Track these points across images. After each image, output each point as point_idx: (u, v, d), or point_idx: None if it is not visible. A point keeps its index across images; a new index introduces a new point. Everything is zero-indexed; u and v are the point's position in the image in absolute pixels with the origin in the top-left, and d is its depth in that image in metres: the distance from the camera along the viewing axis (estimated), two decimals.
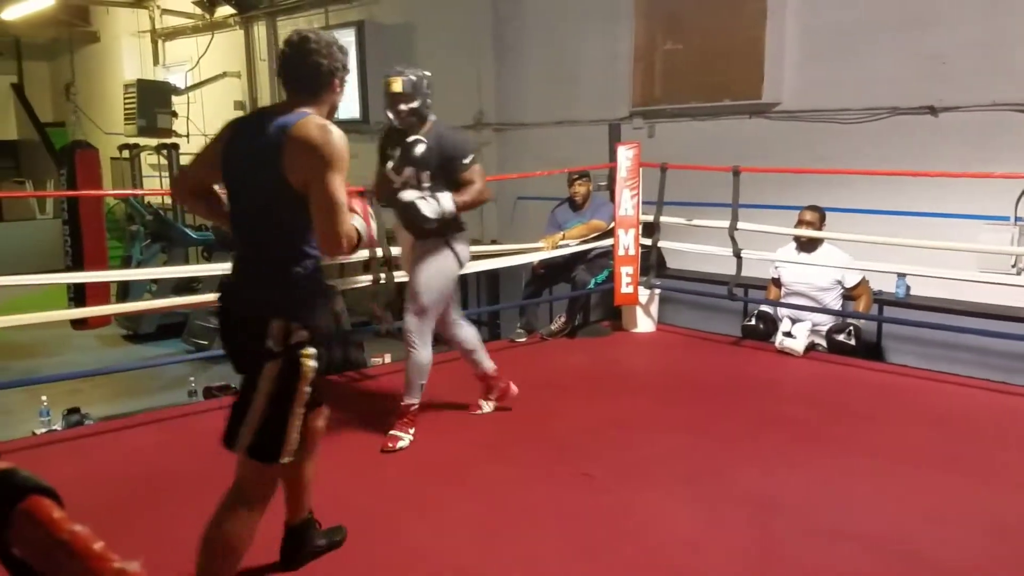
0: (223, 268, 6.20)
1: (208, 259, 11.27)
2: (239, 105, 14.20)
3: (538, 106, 9.34)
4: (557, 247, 5.56)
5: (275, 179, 2.21)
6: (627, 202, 5.59)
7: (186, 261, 11.40)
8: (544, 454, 3.68)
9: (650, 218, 5.83)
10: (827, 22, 6.93)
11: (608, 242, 5.70)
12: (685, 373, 4.91)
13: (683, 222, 5.79)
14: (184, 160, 13.60)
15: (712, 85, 7.36)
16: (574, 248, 5.67)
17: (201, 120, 14.45)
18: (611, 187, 5.90)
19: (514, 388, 4.30)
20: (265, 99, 13.78)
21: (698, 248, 5.83)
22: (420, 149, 3.70)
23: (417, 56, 10.86)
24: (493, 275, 8.71)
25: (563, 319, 5.71)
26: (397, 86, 3.78)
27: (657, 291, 5.89)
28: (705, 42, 7.48)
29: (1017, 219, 5.91)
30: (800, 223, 5.82)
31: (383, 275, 4.92)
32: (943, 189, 6.08)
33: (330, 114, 2.38)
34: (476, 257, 5.93)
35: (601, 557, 2.81)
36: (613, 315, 5.93)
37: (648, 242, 5.85)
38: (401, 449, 3.75)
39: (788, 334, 5.40)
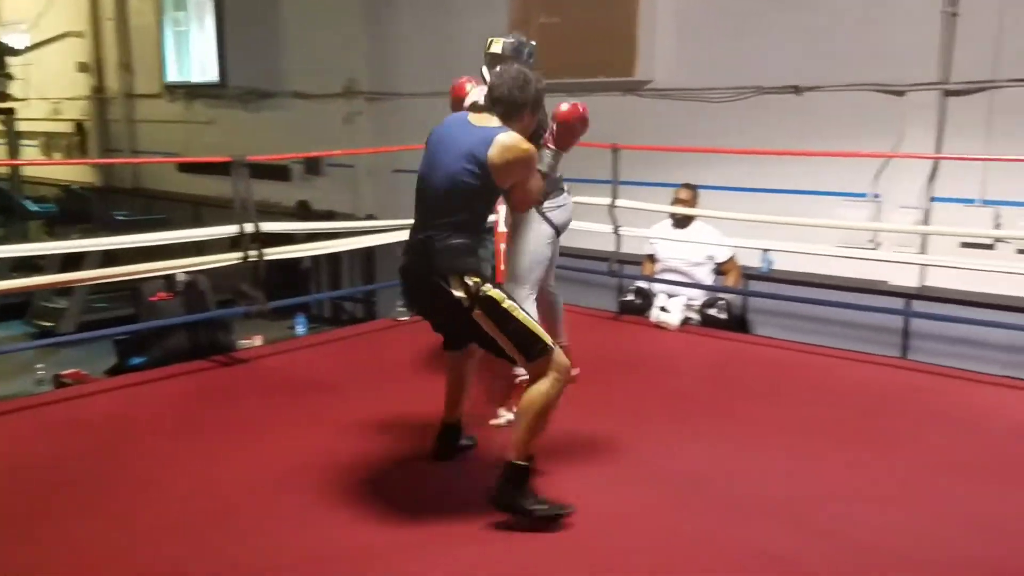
0: (74, 246, 5.74)
1: (50, 234, 10.48)
2: (83, 67, 13.20)
3: (413, 75, 9.11)
4: None
5: (477, 176, 2.76)
6: None
7: (25, 236, 10.55)
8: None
9: None
10: (698, 1, 7.06)
11: (491, 218, 5.60)
12: (571, 350, 4.89)
13: None
14: (21, 127, 12.56)
15: (587, 62, 7.37)
16: None
17: (41, 83, 13.37)
18: None
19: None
20: (112, 61, 12.87)
21: (578, 225, 5.82)
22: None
23: (281, 17, 10.37)
24: (367, 252, 8.48)
25: None
26: (496, 47, 3.80)
27: None
28: (580, 18, 7.47)
29: (875, 195, 6.24)
30: (676, 200, 5.93)
31: (252, 252, 4.65)
32: (806, 167, 6.33)
33: (523, 131, 2.91)
34: (352, 234, 5.73)
35: (520, 544, 2.73)
36: None
37: None
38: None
39: (664, 309, 5.51)
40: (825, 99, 6.41)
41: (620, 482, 3.19)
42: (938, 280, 5.94)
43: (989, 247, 5.72)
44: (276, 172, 10.33)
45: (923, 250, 6.00)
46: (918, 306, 5.84)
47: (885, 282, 6.07)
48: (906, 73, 5.97)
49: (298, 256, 5.80)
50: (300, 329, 6.84)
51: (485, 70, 3.78)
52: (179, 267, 4.76)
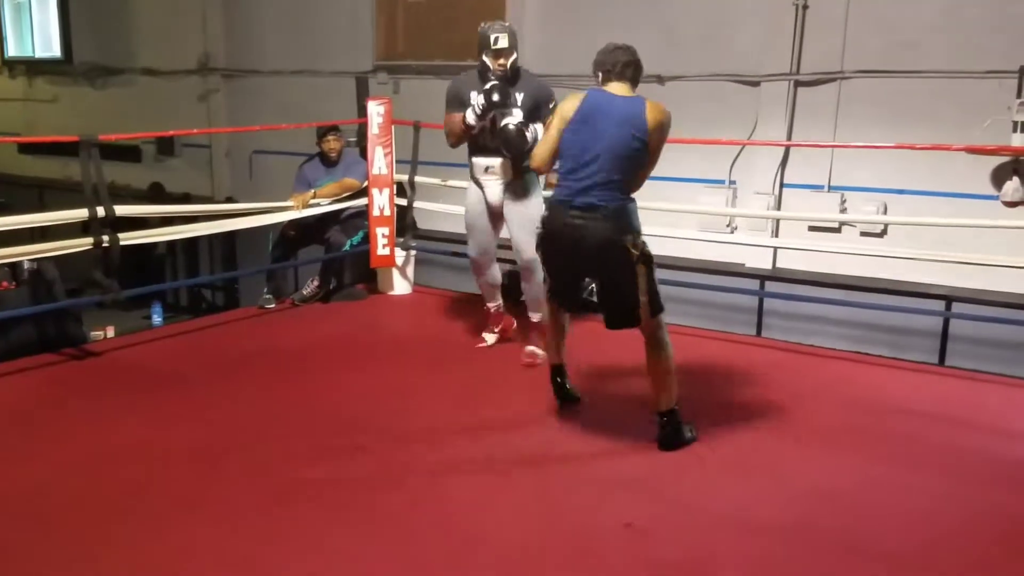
0: None
1: None
2: None
3: (274, 53, 8.80)
4: (308, 207, 5.25)
5: (641, 141, 3.22)
6: (380, 160, 5.40)
7: None
8: (316, 428, 3.48)
9: (404, 177, 5.69)
10: None
11: (362, 202, 5.49)
12: (447, 336, 4.88)
13: (438, 183, 5.71)
14: None
15: (456, 43, 7.31)
16: (326, 208, 5.39)
17: None
18: (361, 144, 5.68)
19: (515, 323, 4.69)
20: None
21: (453, 209, 5.79)
22: (522, 99, 4.13)
23: None
24: (228, 236, 8.14)
25: (316, 283, 5.42)
26: (504, 42, 4.07)
27: (413, 252, 5.79)
28: None
29: (731, 182, 6.52)
30: (547, 186, 5.95)
31: (106, 237, 4.36)
32: (669, 154, 6.45)
33: None
34: (212, 217, 5.48)
35: (389, 529, 2.71)
36: (368, 278, 5.75)
37: (403, 202, 5.71)
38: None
39: None
40: (686, 88, 6.63)
41: (474, 458, 3.23)
42: (789, 262, 6.28)
43: (836, 230, 6.10)
44: (126, 153, 9.78)
45: (775, 234, 6.33)
46: (771, 287, 6.16)
47: (742, 264, 6.36)
48: (761, 64, 6.26)
49: (153, 241, 5.47)
50: (156, 319, 6.51)
51: (493, 67, 4.09)
52: (24, 254, 4.40)
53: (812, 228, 6.17)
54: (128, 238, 4.51)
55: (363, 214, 5.54)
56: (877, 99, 5.92)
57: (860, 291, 5.73)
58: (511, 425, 3.60)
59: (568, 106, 3.31)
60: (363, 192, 5.50)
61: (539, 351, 4.23)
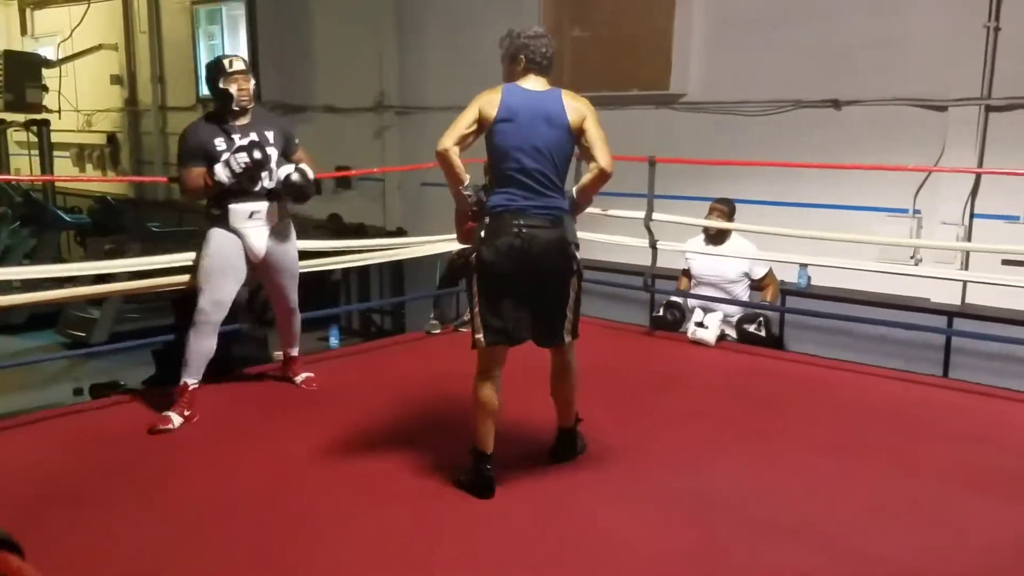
0: (105, 266, 5.70)
1: (82, 244, 10.61)
2: (116, 79, 13.37)
3: (442, 89, 9.13)
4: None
5: (568, 139, 3.04)
6: None
7: (58, 247, 10.70)
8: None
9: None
10: (733, 13, 7.00)
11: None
12: (601, 364, 4.82)
13: (599, 212, 5.70)
14: (56, 137, 12.72)
15: (620, 74, 7.34)
16: None
17: (74, 95, 13.54)
18: None
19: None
20: (145, 74, 13.03)
21: (613, 239, 5.77)
22: (273, 136, 4.02)
23: (314, 32, 10.46)
24: (397, 264, 8.47)
25: None
26: (240, 63, 3.90)
27: None
28: (613, 30, 7.46)
29: (915, 211, 6.13)
30: (710, 215, 5.83)
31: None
32: (845, 182, 6.24)
33: None
34: (379, 249, 5.67)
35: (541, 564, 2.69)
36: None
37: None
38: None
39: (700, 324, 5.41)
40: (865, 113, 6.33)
41: (634, 498, 3.14)
42: (980, 297, 5.82)
43: None
44: None
45: (965, 267, 5.88)
46: (960, 324, 5.72)
47: (927, 299, 5.95)
48: (948, 88, 5.88)
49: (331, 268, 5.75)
50: (333, 341, 6.83)
51: (227, 86, 3.86)
52: (152, 287, 4.57)
53: (1006, 262, 5.69)
54: (306, 266, 4.75)
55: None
56: None
57: None
58: (663, 460, 3.51)
59: (488, 105, 3.03)
60: None
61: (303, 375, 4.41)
